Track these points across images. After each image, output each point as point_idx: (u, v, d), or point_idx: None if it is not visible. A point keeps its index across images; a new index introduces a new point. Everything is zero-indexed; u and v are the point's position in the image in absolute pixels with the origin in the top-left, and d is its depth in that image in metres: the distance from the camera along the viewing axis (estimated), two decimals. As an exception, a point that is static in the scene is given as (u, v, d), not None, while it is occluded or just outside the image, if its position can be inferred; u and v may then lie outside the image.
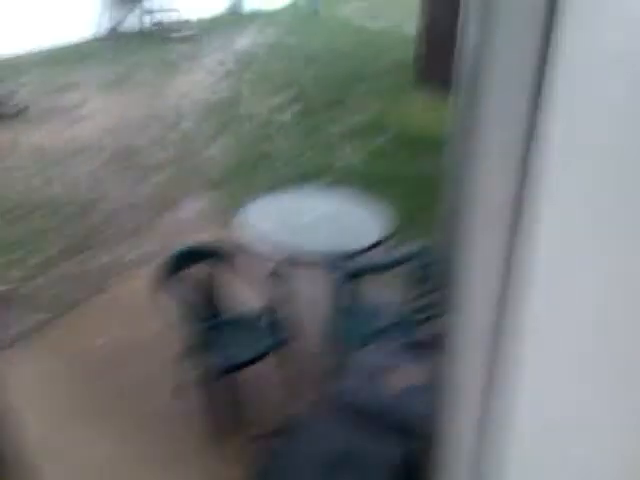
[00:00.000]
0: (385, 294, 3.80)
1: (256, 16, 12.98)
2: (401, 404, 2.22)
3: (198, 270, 3.08)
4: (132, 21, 11.47)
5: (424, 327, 2.96)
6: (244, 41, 11.27)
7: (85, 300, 3.84)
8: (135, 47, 10.64)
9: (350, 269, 3.52)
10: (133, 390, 3.13)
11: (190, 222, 4.87)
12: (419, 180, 5.40)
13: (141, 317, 3.58)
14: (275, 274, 3.70)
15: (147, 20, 11.57)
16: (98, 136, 6.64)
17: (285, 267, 3.66)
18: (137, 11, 11.49)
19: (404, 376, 2.35)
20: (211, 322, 3.10)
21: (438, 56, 7.84)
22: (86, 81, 8.62)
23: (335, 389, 2.34)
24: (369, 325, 2.85)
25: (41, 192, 5.26)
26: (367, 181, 5.41)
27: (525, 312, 0.84)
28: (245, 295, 3.66)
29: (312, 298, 3.82)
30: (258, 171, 5.76)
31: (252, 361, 2.91)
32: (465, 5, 0.91)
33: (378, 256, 4.16)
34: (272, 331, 3.00)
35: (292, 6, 14.03)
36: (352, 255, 3.35)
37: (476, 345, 0.93)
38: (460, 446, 1.03)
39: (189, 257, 3.12)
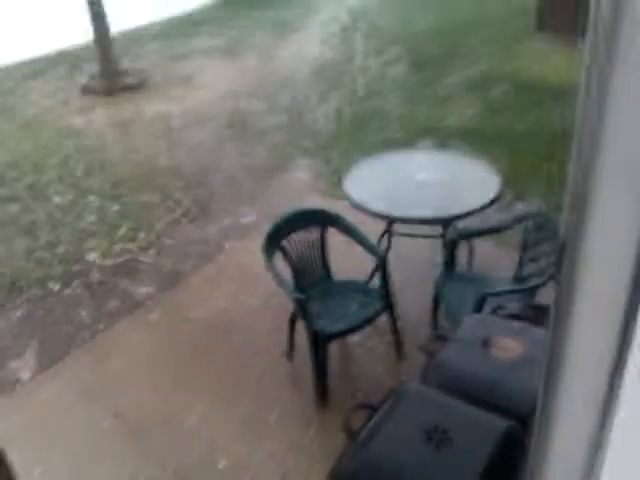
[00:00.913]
0: (496, 257, 3.65)
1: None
2: (507, 377, 2.13)
3: (308, 233, 3.11)
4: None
5: (535, 294, 2.81)
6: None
7: (202, 265, 4.01)
8: (246, 10, 10.77)
9: (460, 231, 3.40)
10: (242, 356, 3.25)
11: (302, 184, 4.92)
12: (534, 136, 5.07)
13: (254, 281, 3.71)
14: (382, 236, 3.66)
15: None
16: (214, 102, 6.85)
17: (392, 228, 3.61)
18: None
19: (511, 347, 2.24)
20: (319, 286, 3.14)
21: (562, 1, 7.26)
22: (201, 49, 8.88)
23: (440, 358, 2.28)
24: (477, 291, 2.73)
25: (163, 158, 5.53)
26: (480, 137, 5.17)
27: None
28: (354, 259, 3.67)
29: (421, 261, 3.75)
30: (369, 129, 5.68)
31: (358, 327, 2.91)
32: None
33: (490, 217, 4.00)
34: (379, 297, 2.97)
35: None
36: (463, 216, 3.23)
37: (592, 317, 0.84)
38: (566, 426, 0.96)
39: (299, 220, 3.15)
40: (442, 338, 2.48)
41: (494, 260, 3.60)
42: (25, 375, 3.25)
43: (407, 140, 5.34)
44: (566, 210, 0.81)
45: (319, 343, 2.83)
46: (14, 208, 4.90)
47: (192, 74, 7.85)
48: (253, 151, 5.56)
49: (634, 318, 0.78)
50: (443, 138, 5.27)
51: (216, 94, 7.10)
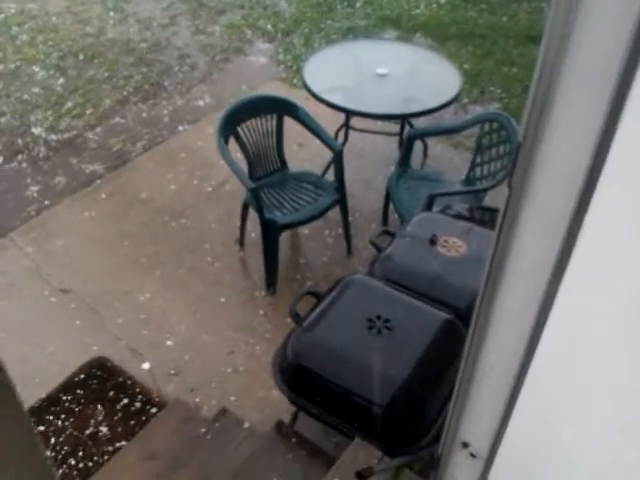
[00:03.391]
0: (450, 158, 3.70)
1: None
2: (449, 273, 2.23)
3: (264, 121, 3.04)
4: None
5: (483, 197, 2.89)
6: None
7: (153, 147, 3.91)
8: None
9: (416, 130, 3.42)
10: (193, 241, 3.27)
11: (260, 69, 4.75)
12: (499, 35, 4.98)
13: (206, 166, 3.66)
14: (339, 130, 3.63)
15: None
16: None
17: (349, 121, 3.58)
18: None
19: (456, 245, 2.34)
20: (273, 176, 3.13)
21: None
22: None
23: (387, 252, 2.36)
24: (428, 190, 2.79)
25: (113, 31, 5.19)
26: (445, 32, 5.04)
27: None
28: (310, 150, 3.65)
29: (377, 157, 3.76)
30: (333, 14, 5.44)
31: (309, 219, 2.95)
32: None
33: (447, 117, 4.01)
34: (332, 190, 3.00)
35: None
36: (421, 114, 3.22)
37: (539, 222, 0.88)
38: (504, 319, 1.02)
39: (255, 106, 3.07)
40: (391, 234, 2.55)
41: (448, 161, 3.65)
42: (-32, 248, 3.19)
43: (372, 29, 5.17)
44: (526, 113, 0.82)
45: (271, 233, 2.87)
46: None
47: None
48: (209, 29, 5.27)
49: (580, 226, 0.82)
50: (409, 30, 5.12)
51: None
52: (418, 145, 3.38)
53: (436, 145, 3.71)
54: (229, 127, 2.92)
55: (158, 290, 2.99)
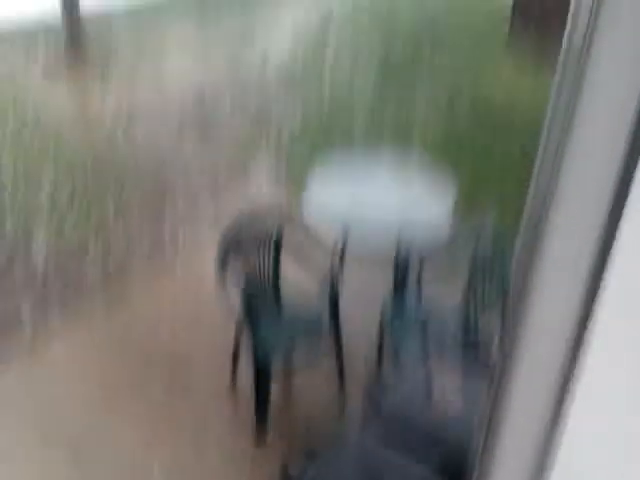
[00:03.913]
0: (443, 278, 3.61)
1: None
2: (443, 422, 2.09)
3: (260, 245, 3.03)
4: None
5: (479, 326, 2.77)
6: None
7: (152, 276, 3.88)
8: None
9: (410, 252, 3.36)
10: (183, 382, 3.14)
11: (257, 191, 4.81)
12: (495, 154, 5.06)
13: (204, 292, 3.58)
14: (334, 256, 3.59)
15: None
16: (170, 92, 6.64)
17: (344, 245, 3.55)
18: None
19: (451, 383, 2.21)
20: (267, 298, 3.07)
21: (538, 8, 7.21)
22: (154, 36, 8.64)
23: (379, 396, 2.23)
24: (421, 315, 2.70)
25: (106, 152, 5.32)
26: (439, 150, 5.12)
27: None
28: (303, 274, 3.58)
29: (372, 282, 3.68)
30: (331, 137, 5.59)
31: (302, 350, 2.85)
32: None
33: (439, 235, 3.96)
34: (325, 319, 2.91)
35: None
36: (415, 237, 3.19)
37: (538, 368, 0.82)
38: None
39: (251, 231, 3.07)
40: (385, 385, 2.44)
41: (444, 282, 3.56)
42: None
43: (367, 148, 5.27)
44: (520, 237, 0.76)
45: (262, 366, 2.75)
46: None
47: (152, 59, 7.64)
48: (209, 150, 5.40)
49: (574, 366, 0.76)
50: (405, 147, 5.22)
51: (172, 83, 6.92)
52: (414, 267, 3.31)
53: (431, 268, 3.64)
54: (226, 254, 2.90)
55: (140, 442, 2.80)
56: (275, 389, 2.91)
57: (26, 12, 8.52)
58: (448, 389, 2.22)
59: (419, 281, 3.54)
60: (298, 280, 3.52)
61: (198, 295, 3.62)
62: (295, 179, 4.83)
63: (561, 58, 0.68)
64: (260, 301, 3.04)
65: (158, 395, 3.02)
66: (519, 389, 0.85)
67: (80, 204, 4.54)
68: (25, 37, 8.24)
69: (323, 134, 5.62)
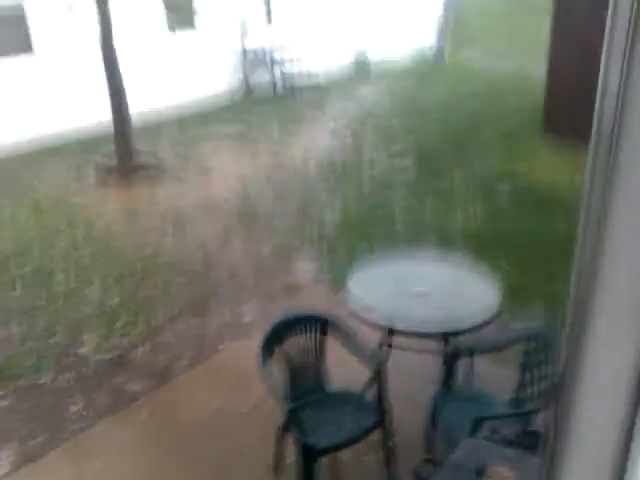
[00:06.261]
0: (496, 374, 3.55)
1: (380, 66, 13.16)
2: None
3: (304, 339, 3.05)
4: (265, 78, 12.06)
5: (533, 419, 2.70)
6: (367, 92, 11.48)
7: (196, 365, 3.94)
8: (265, 102, 11.20)
9: (459, 346, 3.33)
10: (227, 465, 3.12)
11: (304, 283, 4.90)
12: (543, 245, 5.06)
13: (249, 383, 3.60)
14: (381, 347, 3.59)
15: (278, 74, 12.10)
16: (222, 192, 6.97)
17: (391, 340, 3.55)
18: (269, 66, 12.06)
19: (505, 476, 2.13)
20: (312, 395, 3.05)
21: (569, 102, 7.43)
22: (216, 135, 9.16)
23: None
24: (475, 412, 2.63)
25: (168, 249, 5.56)
26: (482, 242, 5.16)
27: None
28: (351, 367, 3.58)
29: (419, 374, 3.65)
30: (374, 233, 5.70)
31: (350, 442, 2.79)
32: (607, 45, 0.68)
33: (490, 334, 3.93)
34: (373, 411, 2.87)
35: (417, 53, 14.04)
36: (462, 331, 3.17)
37: (584, 458, 0.80)
38: None
39: (296, 325, 3.10)
40: (435, 463, 2.37)
41: (494, 377, 3.49)
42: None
43: (411, 244, 5.35)
44: (565, 336, 0.76)
45: (309, 458, 2.71)
46: (16, 293, 4.90)
47: (202, 160, 8.06)
48: (258, 245, 5.59)
49: (626, 459, 0.74)
50: (446, 240, 5.28)
51: (225, 181, 7.26)
52: (464, 361, 3.27)
53: (482, 361, 3.59)
54: (270, 346, 2.93)
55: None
56: (322, 469, 2.86)
57: (76, 123, 9.18)
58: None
59: (469, 373, 3.49)
60: (343, 375, 3.53)
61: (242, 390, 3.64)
62: (340, 271, 4.91)
63: (592, 146, 0.71)
64: (303, 397, 3.03)
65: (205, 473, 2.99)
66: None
67: (130, 309, 4.69)
68: (76, 148, 8.84)
69: (365, 228, 5.76)
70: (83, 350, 4.11)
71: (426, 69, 13.26)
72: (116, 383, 3.77)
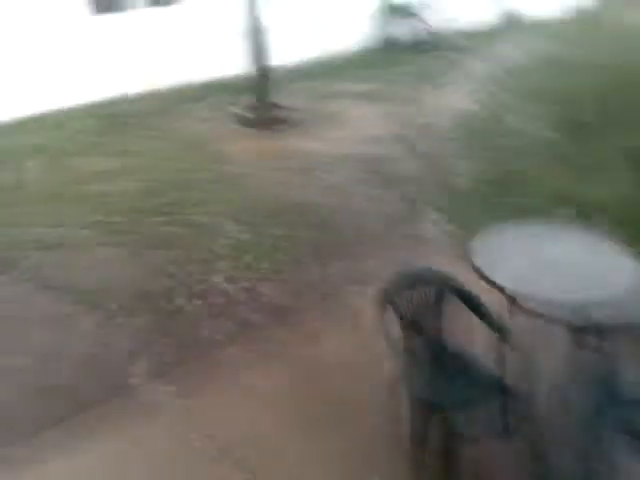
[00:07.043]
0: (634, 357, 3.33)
1: (533, 25, 12.40)
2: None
3: (425, 295, 3.03)
4: (405, 31, 11.79)
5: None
6: (516, 51, 10.89)
7: (318, 307, 4.06)
8: (404, 57, 10.97)
9: (596, 323, 3.14)
10: (343, 408, 3.20)
11: (428, 241, 4.84)
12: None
13: (365, 335, 3.65)
14: (509, 312, 3.48)
15: (421, 31, 11.77)
16: (353, 144, 7.02)
17: (516, 305, 3.43)
18: (411, 21, 11.77)
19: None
20: (431, 351, 3.03)
21: None
22: (347, 91, 9.15)
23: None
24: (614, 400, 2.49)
25: (297, 194, 5.72)
26: (627, 219, 4.79)
27: None
28: (475, 335, 3.49)
29: (549, 353, 3.50)
30: (507, 192, 5.49)
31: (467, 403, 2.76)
32: None
33: (629, 309, 3.68)
34: (495, 378, 2.81)
35: (574, 12, 13.04)
36: (598, 306, 2.99)
37: None
38: None
39: (415, 279, 3.08)
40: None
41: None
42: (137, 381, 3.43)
43: (545, 209, 5.09)
44: None
45: (423, 415, 2.70)
46: (156, 220, 5.28)
47: (336, 115, 8.11)
48: (384, 198, 5.58)
49: None
50: (584, 212, 4.96)
51: (356, 136, 7.28)
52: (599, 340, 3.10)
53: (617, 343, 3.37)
54: (389, 298, 2.94)
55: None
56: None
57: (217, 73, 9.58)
58: None
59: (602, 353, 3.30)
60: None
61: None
62: (467, 230, 4.80)
63: None
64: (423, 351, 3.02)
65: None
66: None
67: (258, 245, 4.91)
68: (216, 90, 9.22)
69: (501, 189, 5.55)
70: (215, 279, 4.37)
71: (583, 28, 12.30)
72: (244, 315, 3.98)
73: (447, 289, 3.05)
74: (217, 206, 5.53)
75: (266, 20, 7.78)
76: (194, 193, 5.85)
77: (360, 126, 7.71)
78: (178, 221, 5.26)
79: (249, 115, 7.95)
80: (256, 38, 7.70)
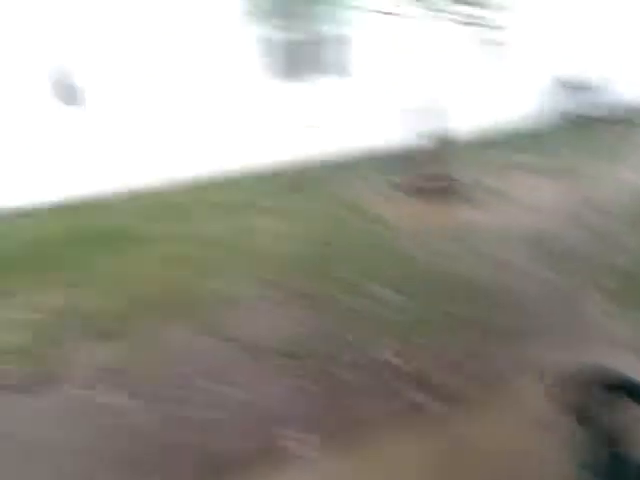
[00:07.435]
0: None
1: None
2: None
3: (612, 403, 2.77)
4: (582, 105, 11.44)
5: None
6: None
7: (483, 397, 3.86)
8: (580, 131, 10.63)
9: None
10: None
11: (599, 329, 4.48)
12: None
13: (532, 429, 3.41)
14: None
15: (598, 105, 11.34)
16: (524, 220, 6.80)
17: None
18: (588, 95, 11.40)
19: None
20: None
21: None
22: (520, 163, 8.95)
23: None
24: None
25: (460, 270, 5.59)
26: None
27: None
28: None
29: None
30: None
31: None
32: None
33: None
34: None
35: None
36: None
37: None
38: None
39: (603, 385, 2.82)
40: None
41: None
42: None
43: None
44: None
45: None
46: (332, 290, 5.39)
47: (507, 188, 7.95)
48: (554, 279, 5.29)
49: None
50: None
51: (527, 211, 7.07)
52: None
53: None
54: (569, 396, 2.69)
55: None
56: None
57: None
58: None
59: None
60: None
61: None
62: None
63: None
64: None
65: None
66: None
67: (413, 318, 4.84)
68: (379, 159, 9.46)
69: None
70: (382, 354, 4.34)
71: None
72: (410, 395, 3.89)
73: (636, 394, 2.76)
74: (384, 274, 5.57)
75: (439, 93, 7.92)
76: (361, 262, 5.95)
77: (531, 202, 7.50)
78: (347, 289, 5.34)
79: (418, 184, 8.03)
80: (428, 111, 7.86)
